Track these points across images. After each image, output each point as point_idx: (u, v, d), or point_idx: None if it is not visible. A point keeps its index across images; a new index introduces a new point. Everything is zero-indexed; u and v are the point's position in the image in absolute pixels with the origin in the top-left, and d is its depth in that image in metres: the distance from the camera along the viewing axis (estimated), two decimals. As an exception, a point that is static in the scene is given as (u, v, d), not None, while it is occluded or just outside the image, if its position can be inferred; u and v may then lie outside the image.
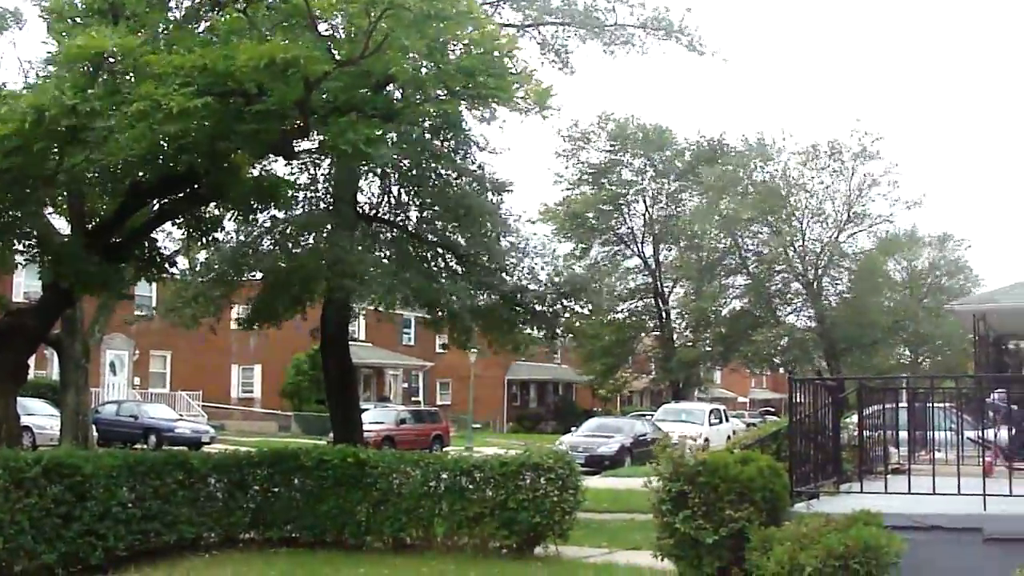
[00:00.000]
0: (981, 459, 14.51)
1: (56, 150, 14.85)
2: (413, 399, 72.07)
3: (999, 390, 18.07)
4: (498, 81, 15.36)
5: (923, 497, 12.55)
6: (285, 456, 17.75)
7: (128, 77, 14.54)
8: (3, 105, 14.05)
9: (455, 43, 15.52)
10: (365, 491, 16.93)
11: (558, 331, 28.03)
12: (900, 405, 16.21)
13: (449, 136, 25.32)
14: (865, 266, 65.67)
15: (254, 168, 18.13)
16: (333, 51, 15.10)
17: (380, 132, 16.02)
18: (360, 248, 24.00)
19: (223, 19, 15.14)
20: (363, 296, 24.95)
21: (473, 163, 26.39)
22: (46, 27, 16.03)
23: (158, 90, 13.48)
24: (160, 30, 15.65)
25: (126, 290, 20.15)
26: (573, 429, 45.57)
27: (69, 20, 15.19)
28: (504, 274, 26.15)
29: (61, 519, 14.27)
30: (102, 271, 17.00)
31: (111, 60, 14.33)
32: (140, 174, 15.99)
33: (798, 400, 14.16)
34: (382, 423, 46.13)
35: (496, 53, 15.41)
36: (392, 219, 26.10)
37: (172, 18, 16.25)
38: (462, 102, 17.60)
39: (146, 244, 18.90)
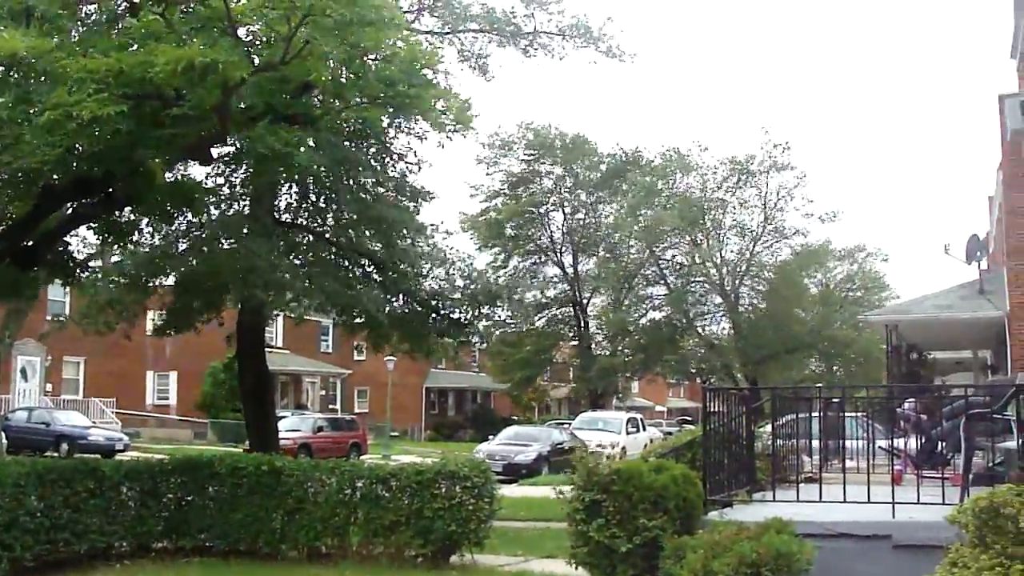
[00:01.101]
0: (891, 468, 14.73)
1: None
2: (330, 407, 71.68)
3: (909, 400, 18.35)
4: (418, 91, 15.35)
5: (834, 505, 12.73)
6: (199, 464, 17.56)
7: (42, 80, 14.30)
8: None
9: (377, 53, 15.48)
10: (280, 499, 16.79)
11: (473, 338, 28.00)
12: (813, 414, 16.38)
13: (369, 144, 25.19)
14: (781, 278, 66.53)
15: (170, 173, 17.92)
16: (252, 56, 14.97)
17: (299, 138, 15.92)
18: (276, 254, 23.82)
19: (139, 22, 14.92)
20: (275, 303, 24.76)
21: (392, 170, 26.28)
22: None
23: (71, 97, 13.26)
24: (74, 34, 15.42)
25: (36, 294, 19.80)
26: (491, 437, 45.59)
27: None
28: (421, 278, 26.11)
29: (-34, 529, 14.00)
30: (11, 274, 16.73)
31: (22, 63, 14.08)
32: (53, 177, 15.75)
33: (713, 409, 14.30)
34: (299, 431, 45.85)
35: (417, 64, 15.41)
36: (310, 225, 25.92)
37: (87, 22, 16.01)
38: (383, 113, 17.56)
39: (59, 248, 18.63)
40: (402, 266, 25.40)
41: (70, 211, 17.64)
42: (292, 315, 26.07)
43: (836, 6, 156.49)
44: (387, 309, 25.19)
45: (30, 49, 13.64)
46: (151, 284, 24.38)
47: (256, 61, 14.87)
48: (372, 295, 24.58)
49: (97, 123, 13.42)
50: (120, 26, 16.06)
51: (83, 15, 16.40)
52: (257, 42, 15.60)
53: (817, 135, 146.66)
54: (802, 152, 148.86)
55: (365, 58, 15.58)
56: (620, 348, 72.59)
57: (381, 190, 25.79)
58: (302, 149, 16.75)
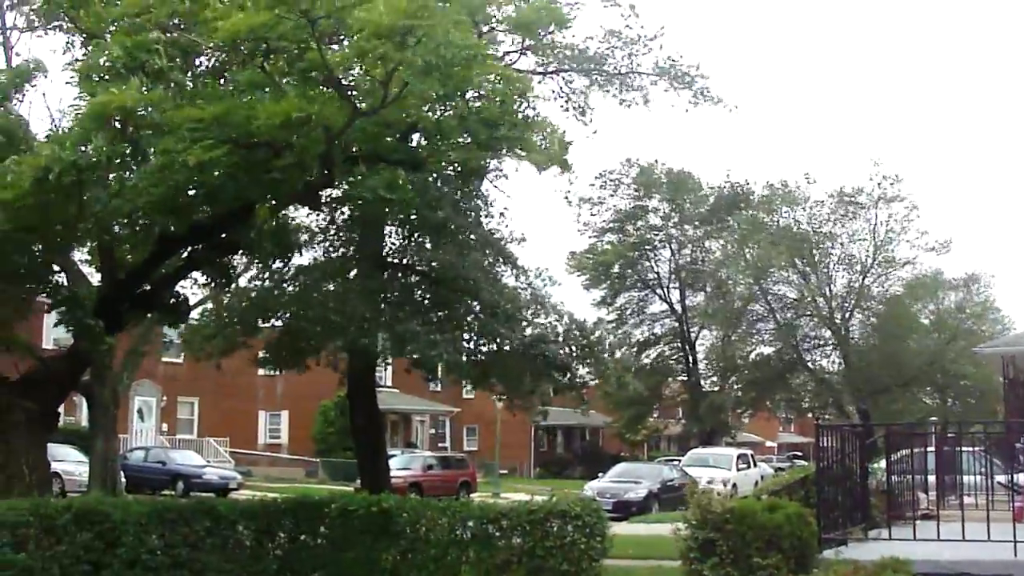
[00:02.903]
0: (1011, 505, 14.43)
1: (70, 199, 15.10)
2: (440, 445, 71.98)
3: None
4: (516, 131, 15.51)
5: (952, 543, 12.50)
6: (310, 504, 17.74)
7: (149, 133, 14.76)
8: (9, 172, 14.32)
9: (473, 89, 15.67)
10: (391, 539, 16.87)
11: (574, 380, 27.94)
12: (929, 450, 16.12)
13: (471, 184, 25.37)
14: (892, 310, 65.54)
15: (276, 217, 18.29)
16: (355, 102, 15.26)
17: (401, 180, 16.13)
18: (384, 296, 24.14)
19: (243, 75, 15.32)
20: (364, 347, 25.06)
21: (489, 207, 26.49)
22: (77, 84, 16.28)
23: (178, 145, 13.70)
24: (183, 86, 15.90)
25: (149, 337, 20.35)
26: (600, 475, 45.47)
27: (96, 78, 15.42)
28: (524, 321, 26.10)
29: (91, 566, 14.34)
30: (101, 331, 17.36)
31: (133, 115, 14.54)
32: (170, 226, 16.21)
33: (825, 446, 14.14)
34: (409, 469, 46.06)
35: (516, 96, 15.58)
36: (415, 265, 26.07)
37: (196, 73, 16.44)
38: (485, 155, 17.73)
39: (171, 292, 19.18)
40: (507, 307, 25.46)
41: (184, 256, 18.12)
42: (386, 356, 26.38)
43: (944, 32, 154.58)
44: (484, 350, 25.43)
45: (140, 100, 14.10)
46: (258, 325, 24.90)
47: (359, 107, 15.16)
48: (455, 344, 24.74)
49: (203, 167, 13.82)
50: (225, 77, 16.48)
51: (191, 68, 16.83)
52: (358, 88, 15.87)
53: (928, 159, 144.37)
54: (913, 178, 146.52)
55: (464, 97, 15.78)
56: (729, 384, 72.13)
57: (479, 227, 25.98)
58: (404, 191, 16.94)
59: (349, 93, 15.17)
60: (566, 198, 66.25)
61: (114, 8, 15.71)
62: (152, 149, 14.48)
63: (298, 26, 13.86)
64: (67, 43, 18.60)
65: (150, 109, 14.49)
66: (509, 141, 15.93)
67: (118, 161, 15.02)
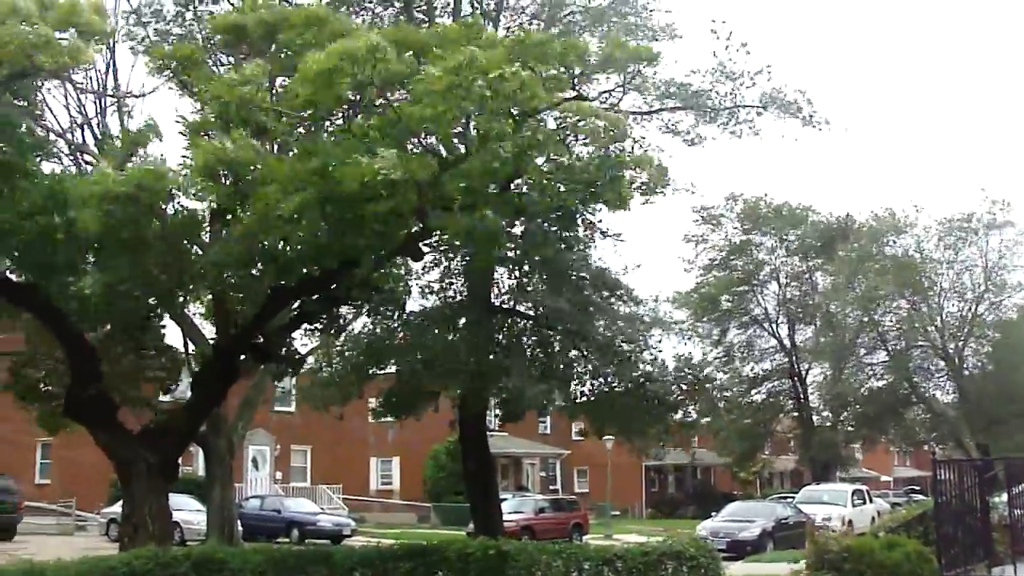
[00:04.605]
0: None
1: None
2: (551, 487, 71.83)
3: None
4: (613, 189, 15.63)
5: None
6: (428, 550, 17.85)
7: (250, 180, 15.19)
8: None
9: (576, 137, 15.84)
10: (508, 583, 16.92)
11: (685, 420, 27.88)
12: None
13: (575, 227, 25.46)
14: (1007, 337, 64.05)
15: (381, 270, 18.53)
16: (459, 147, 15.51)
17: (494, 223, 16.27)
18: (495, 342, 24.34)
19: (330, 131, 15.77)
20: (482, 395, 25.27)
21: (592, 246, 26.56)
22: (186, 136, 16.74)
23: (275, 195, 14.09)
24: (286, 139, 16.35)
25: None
26: (713, 514, 45.04)
27: (204, 134, 15.89)
28: (640, 362, 26.07)
29: (212, 615, 14.62)
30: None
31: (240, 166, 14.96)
32: (280, 280, 16.56)
33: (943, 480, 13.94)
34: (521, 512, 46.00)
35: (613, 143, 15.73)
36: (525, 309, 26.17)
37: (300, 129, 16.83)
38: (587, 201, 17.82)
39: (285, 343, 19.59)
40: (620, 345, 25.48)
41: (296, 309, 18.49)
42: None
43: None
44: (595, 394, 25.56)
45: (241, 155, 14.47)
46: (371, 372, 25.21)
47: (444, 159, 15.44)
48: (565, 392, 24.91)
49: (298, 219, 14.17)
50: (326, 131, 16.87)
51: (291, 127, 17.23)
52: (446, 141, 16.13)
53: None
54: (1019, 202, 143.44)
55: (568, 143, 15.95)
56: (842, 419, 70.98)
57: (588, 265, 26.07)
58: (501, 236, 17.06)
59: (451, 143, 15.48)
60: (694, 222, 66.91)
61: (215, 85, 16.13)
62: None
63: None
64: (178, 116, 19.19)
65: (256, 166, 14.90)
66: (605, 197, 16.06)
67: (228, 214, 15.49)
